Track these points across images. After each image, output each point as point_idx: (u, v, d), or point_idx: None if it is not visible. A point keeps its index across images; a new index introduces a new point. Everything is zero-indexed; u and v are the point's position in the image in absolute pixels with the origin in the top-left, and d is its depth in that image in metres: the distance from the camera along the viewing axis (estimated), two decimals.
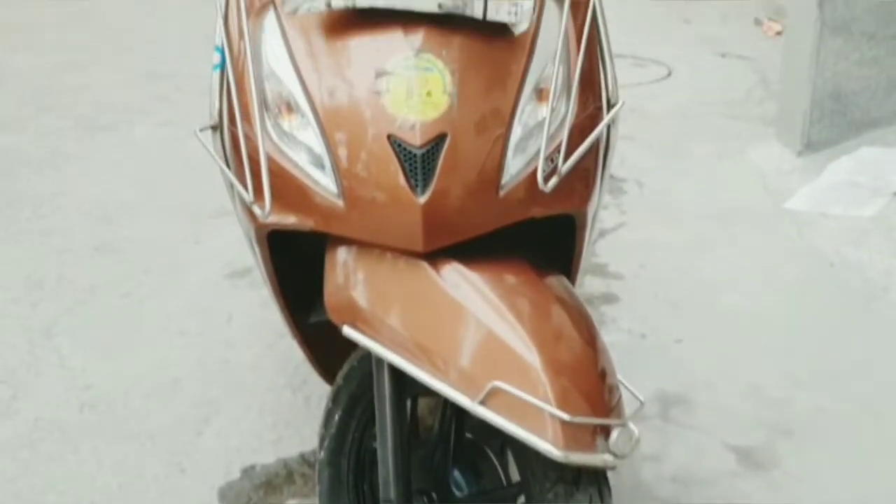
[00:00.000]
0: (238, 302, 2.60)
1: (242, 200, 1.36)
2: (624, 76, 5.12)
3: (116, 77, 4.80)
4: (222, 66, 1.43)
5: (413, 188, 1.21)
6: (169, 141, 3.87)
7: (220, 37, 1.43)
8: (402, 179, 1.21)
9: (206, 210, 3.19)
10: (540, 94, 1.31)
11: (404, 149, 1.21)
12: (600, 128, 1.34)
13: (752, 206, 3.22)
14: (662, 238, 2.99)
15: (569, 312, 1.26)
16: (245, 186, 1.27)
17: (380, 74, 1.23)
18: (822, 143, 3.42)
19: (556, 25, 1.33)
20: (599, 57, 1.42)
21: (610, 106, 1.42)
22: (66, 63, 5.02)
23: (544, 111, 1.29)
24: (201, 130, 1.43)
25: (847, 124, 3.40)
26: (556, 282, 1.33)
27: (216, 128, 1.45)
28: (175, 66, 4.99)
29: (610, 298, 2.60)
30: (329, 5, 1.23)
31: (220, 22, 1.42)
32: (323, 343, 1.61)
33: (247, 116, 1.31)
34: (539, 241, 1.39)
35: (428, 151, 1.21)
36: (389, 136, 1.21)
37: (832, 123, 3.40)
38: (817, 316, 2.51)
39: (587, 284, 2.67)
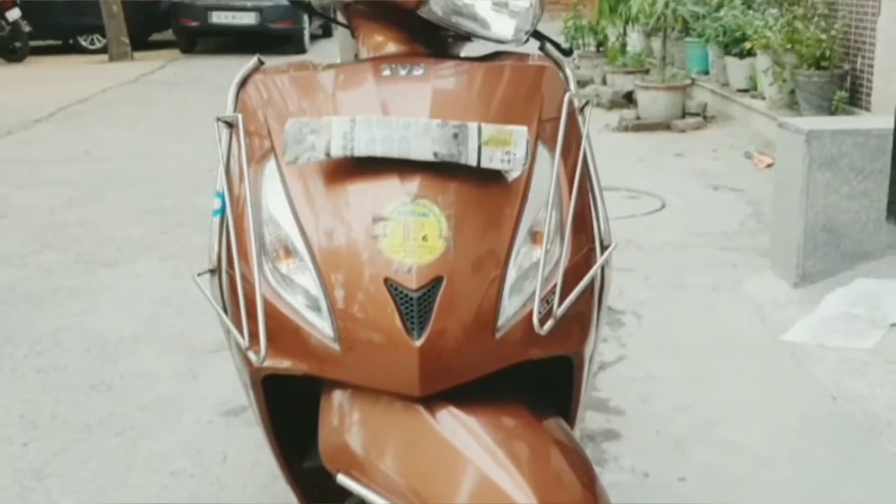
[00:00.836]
0: (233, 441, 2.56)
1: (237, 344, 1.37)
2: (619, 208, 5.24)
3: (119, 213, 4.88)
4: (222, 211, 1.46)
5: (409, 332, 1.21)
6: (170, 275, 3.90)
7: (220, 182, 1.46)
8: (398, 323, 1.22)
9: (203, 345, 3.19)
10: (534, 236, 1.33)
11: (401, 292, 1.22)
12: (594, 269, 1.36)
13: (750, 339, 3.21)
14: (662, 372, 2.97)
15: (567, 456, 1.25)
16: (241, 331, 1.28)
17: (377, 219, 1.25)
18: (817, 274, 3.45)
19: (548, 170, 1.37)
20: (591, 199, 1.45)
21: (603, 246, 1.44)
22: (69, 199, 5.12)
23: (539, 254, 1.31)
24: (199, 275, 1.44)
25: (840, 256, 3.44)
26: (554, 424, 1.32)
27: (215, 272, 1.46)
28: (178, 202, 5.09)
29: (611, 435, 2.56)
30: (328, 154, 1.27)
31: (222, 168, 1.46)
32: (317, 488, 1.58)
33: (245, 260, 1.33)
34: (537, 380, 1.39)
35: (424, 295, 1.22)
36: (386, 280, 1.22)
37: (826, 255, 3.43)
38: (821, 452, 2.47)
39: (588, 419, 2.64)
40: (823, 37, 5.69)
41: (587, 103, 1.48)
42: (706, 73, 7.86)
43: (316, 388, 1.38)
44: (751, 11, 6.66)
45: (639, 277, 3.82)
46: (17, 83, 9.94)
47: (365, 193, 1.29)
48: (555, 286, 1.30)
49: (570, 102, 1.42)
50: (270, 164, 1.36)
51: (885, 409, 2.60)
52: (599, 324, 1.48)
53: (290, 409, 1.49)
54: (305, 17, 12.83)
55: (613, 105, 7.70)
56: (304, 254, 1.29)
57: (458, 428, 1.23)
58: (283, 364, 1.29)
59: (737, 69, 7.02)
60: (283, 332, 1.28)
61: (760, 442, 2.52)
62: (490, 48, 1.55)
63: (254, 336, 1.26)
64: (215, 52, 12.72)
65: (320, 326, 1.27)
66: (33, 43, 12.31)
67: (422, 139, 1.25)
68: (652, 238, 4.37)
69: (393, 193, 1.26)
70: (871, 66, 5.60)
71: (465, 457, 1.19)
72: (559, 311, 1.27)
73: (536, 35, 1.59)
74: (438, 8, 1.40)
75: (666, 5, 6.92)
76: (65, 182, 5.50)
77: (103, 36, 12.24)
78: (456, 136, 1.26)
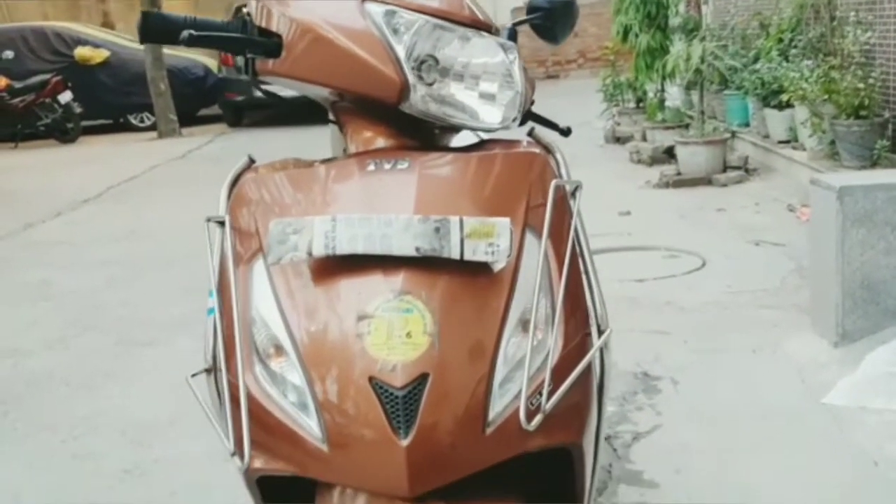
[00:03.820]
0: None
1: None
2: (658, 268, 5.16)
3: (158, 292, 4.96)
4: (215, 310, 1.47)
5: (395, 430, 1.20)
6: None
7: (213, 281, 1.48)
8: (384, 422, 1.20)
9: None
10: (525, 325, 1.31)
11: (386, 391, 1.21)
12: (588, 357, 1.34)
13: (791, 403, 3.12)
14: (699, 441, 2.90)
15: None
16: (227, 434, 1.27)
17: (361, 317, 1.25)
18: (857, 332, 3.36)
19: (537, 259, 1.35)
20: (586, 284, 1.43)
21: (600, 331, 1.42)
22: (109, 279, 5.22)
23: (526, 343, 1.30)
24: (193, 376, 1.44)
25: (881, 313, 3.35)
26: None
27: (210, 371, 1.47)
28: None
29: None
30: (310, 253, 1.27)
31: (212, 267, 1.47)
32: None
33: (233, 362, 1.33)
34: (541, 466, 1.37)
35: (409, 393, 1.21)
36: (371, 379, 1.21)
37: (865, 313, 3.35)
38: None
39: (621, 494, 2.58)
40: (861, 85, 5.62)
41: (577, 187, 1.46)
42: (747, 125, 7.80)
43: (311, 488, 1.37)
44: (786, 63, 6.60)
45: (677, 340, 3.75)
46: (69, 164, 10.24)
47: (349, 291, 1.28)
48: (545, 379, 1.27)
49: (557, 188, 1.41)
50: (259, 264, 1.37)
51: None
52: (602, 411, 1.45)
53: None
54: None
55: (654, 161, 7.66)
56: (291, 353, 1.29)
57: None
58: (273, 465, 1.28)
59: (777, 121, 6.95)
60: (272, 433, 1.28)
61: None
62: (479, 135, 1.56)
63: (237, 440, 1.26)
64: (261, 125, 13.00)
65: (308, 427, 1.26)
66: (85, 123, 12.71)
67: (403, 235, 1.25)
68: (691, 298, 4.30)
69: (376, 290, 1.26)
70: None
71: None
72: (548, 405, 1.24)
73: (530, 116, 1.59)
74: (420, 102, 1.41)
75: (702, 60, 6.91)
76: (108, 262, 5.61)
77: (152, 114, 12.59)
78: (438, 230, 1.25)
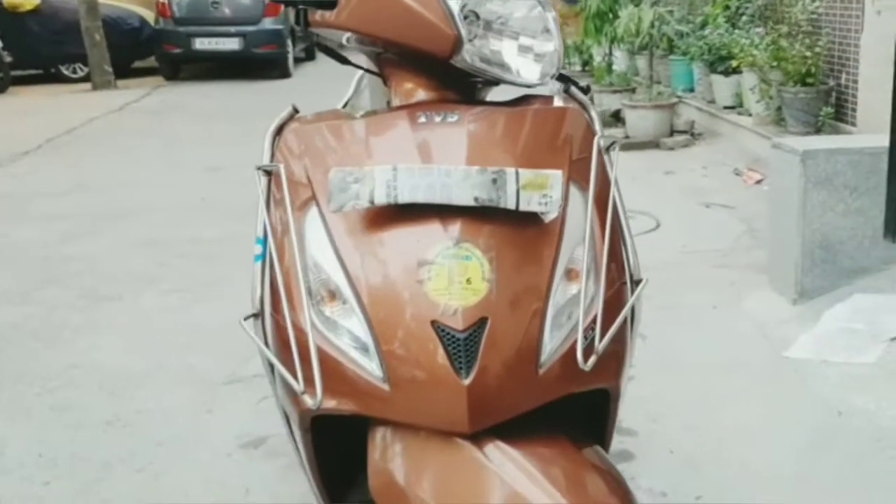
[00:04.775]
0: (254, 474, 2.59)
1: (287, 387, 1.41)
2: None
3: (117, 246, 4.90)
4: (263, 256, 1.50)
5: (457, 371, 1.26)
6: (176, 309, 3.93)
7: (261, 229, 1.51)
8: (446, 363, 1.26)
9: (216, 378, 3.22)
10: (569, 274, 1.38)
11: (447, 334, 1.26)
12: (630, 303, 1.41)
13: (754, 356, 3.27)
14: (670, 392, 3.02)
15: (609, 485, 1.30)
16: (294, 375, 1.31)
17: (422, 264, 1.30)
18: (816, 290, 3.52)
19: (579, 209, 1.42)
20: (621, 237, 1.50)
21: (633, 281, 1.50)
22: (62, 233, 5.13)
23: (574, 290, 1.37)
24: (245, 319, 1.47)
25: (838, 272, 3.51)
26: (594, 453, 1.38)
27: (258, 316, 1.50)
28: (175, 233, 5.11)
29: (626, 456, 2.61)
30: (372, 202, 1.31)
31: (261, 215, 1.50)
32: None
33: (293, 306, 1.36)
34: (571, 407, 1.44)
35: (470, 335, 1.27)
36: (433, 322, 1.27)
37: (823, 272, 3.50)
38: (833, 467, 2.52)
39: None
40: (808, 54, 5.80)
41: (613, 143, 1.53)
42: (691, 90, 7.96)
43: (356, 427, 1.42)
44: (736, 30, 6.75)
45: (641, 297, 3.86)
46: (1, 114, 9.92)
47: (408, 238, 1.33)
48: (590, 322, 1.35)
49: (598, 143, 1.47)
50: (312, 212, 1.41)
51: (892, 422, 2.67)
52: (632, 356, 1.53)
53: (330, 450, 1.52)
54: (289, 42, 12.91)
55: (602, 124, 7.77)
56: (350, 297, 1.33)
57: (506, 462, 1.27)
58: (335, 405, 1.33)
59: (723, 87, 7.12)
60: (332, 374, 1.32)
61: (772, 459, 2.58)
62: (516, 92, 1.60)
63: (307, 380, 1.30)
64: (199, 79, 12.76)
65: (369, 368, 1.31)
66: (14, 73, 12.30)
67: (462, 185, 1.30)
68: (649, 258, 4.35)
69: (436, 238, 1.31)
70: (855, 81, 5.71)
71: (515, 490, 1.23)
72: (601, 346, 1.32)
73: (560, 77, 1.64)
74: (470, 56, 1.45)
75: (652, 25, 7.02)
76: (58, 216, 5.50)
77: (85, 64, 12.23)
78: (495, 181, 1.31)
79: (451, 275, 1.28)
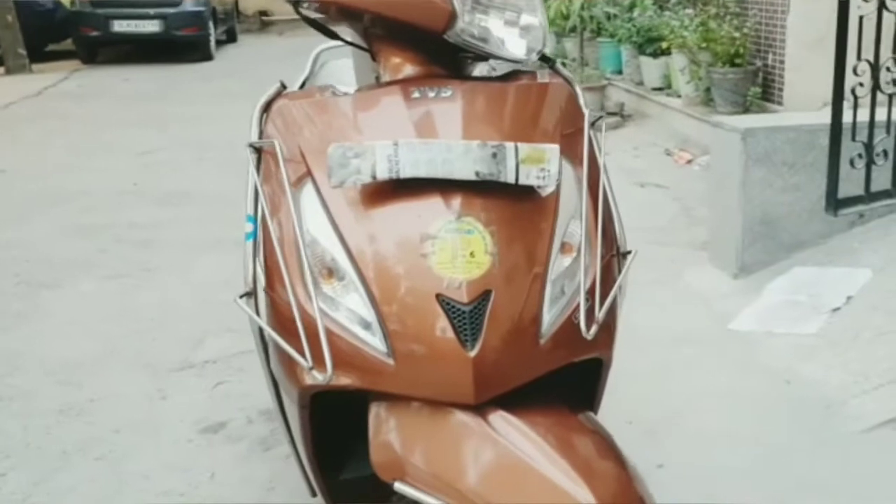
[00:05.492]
0: (217, 458, 2.56)
1: (286, 364, 1.40)
2: None
3: (50, 232, 4.77)
4: (254, 235, 1.49)
5: (463, 343, 1.27)
6: (117, 294, 3.85)
7: (251, 206, 1.49)
8: (452, 336, 1.27)
9: (166, 364, 3.17)
10: (563, 247, 1.41)
11: (452, 307, 1.28)
12: (623, 274, 1.45)
13: (700, 330, 3.36)
14: (623, 365, 3.05)
15: (606, 449, 1.34)
16: (301, 352, 1.31)
17: (424, 238, 1.31)
18: (756, 265, 3.62)
19: (571, 182, 1.45)
20: (611, 210, 1.53)
21: (620, 253, 1.53)
22: None
23: (566, 263, 1.40)
24: (241, 297, 1.46)
25: (777, 247, 3.62)
26: (589, 419, 1.42)
27: (250, 294, 1.49)
28: (108, 218, 5.00)
29: None
30: (374, 177, 1.32)
31: (251, 193, 1.49)
32: (353, 500, 1.62)
33: (292, 282, 1.36)
34: (563, 374, 1.47)
35: (475, 308, 1.28)
36: (437, 296, 1.28)
37: (764, 247, 3.61)
38: (785, 433, 2.62)
39: None
40: (737, 35, 5.94)
41: (600, 118, 1.56)
42: (619, 72, 8.07)
43: (351, 402, 1.42)
44: (666, 12, 6.87)
45: None
46: None
47: (408, 213, 1.34)
48: (589, 293, 1.38)
49: (588, 118, 1.50)
50: (308, 188, 1.40)
51: (838, 390, 2.77)
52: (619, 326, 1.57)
53: (321, 425, 1.53)
54: (211, 23, 12.67)
55: None
56: (350, 273, 1.34)
57: (510, 431, 1.29)
58: (339, 381, 1.33)
59: (651, 68, 7.24)
60: (334, 350, 1.32)
61: (727, 428, 2.66)
62: (503, 68, 1.62)
63: (315, 356, 1.30)
64: (118, 62, 12.42)
65: (372, 342, 1.32)
66: None
67: (464, 159, 1.31)
68: None
69: (438, 212, 1.32)
70: (782, 62, 5.87)
71: (521, 458, 1.26)
72: (600, 315, 1.35)
73: (542, 57, 1.66)
74: (462, 31, 1.46)
75: (582, 7, 7.10)
76: None
77: None
78: (495, 155, 1.32)
79: (454, 248, 1.30)
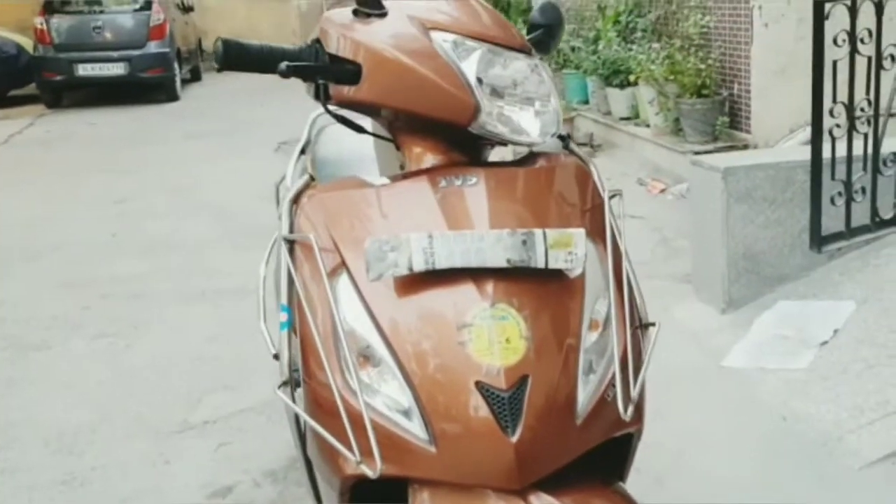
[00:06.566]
0: None
1: (327, 453, 1.43)
2: None
3: (33, 289, 4.74)
4: (289, 324, 1.52)
5: (503, 429, 1.31)
6: (108, 354, 3.83)
7: (284, 297, 1.52)
8: (492, 422, 1.31)
9: (167, 426, 3.17)
10: (591, 324, 1.45)
11: (492, 393, 1.31)
12: (650, 351, 1.49)
13: (693, 365, 3.41)
14: None
15: None
16: (346, 443, 1.33)
17: (461, 327, 1.34)
18: (742, 300, 3.70)
19: (594, 262, 1.49)
20: (631, 284, 1.58)
21: (642, 325, 1.58)
22: None
23: (595, 340, 1.44)
24: (279, 388, 1.49)
25: (761, 281, 3.70)
26: (621, 492, 1.45)
27: (286, 384, 1.51)
28: (91, 272, 4.98)
29: None
30: (410, 269, 1.35)
31: (285, 283, 1.52)
32: None
33: (332, 371, 1.38)
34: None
35: (514, 394, 1.32)
36: (477, 383, 1.32)
37: (748, 281, 3.69)
38: (785, 472, 2.67)
39: None
40: (702, 66, 6.06)
41: (616, 194, 1.61)
42: (586, 102, 8.19)
43: (388, 491, 1.44)
44: (633, 45, 6.99)
45: None
46: None
47: (443, 302, 1.37)
48: (622, 370, 1.42)
49: (607, 197, 1.55)
50: (343, 279, 1.43)
51: (833, 425, 2.84)
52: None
53: None
54: (176, 64, 12.65)
55: None
56: (388, 362, 1.36)
57: None
58: (385, 471, 1.35)
59: (619, 99, 7.35)
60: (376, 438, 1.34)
61: (728, 468, 2.71)
62: (519, 150, 1.67)
63: (363, 448, 1.32)
64: (84, 105, 12.34)
65: (413, 430, 1.34)
66: None
67: (495, 248, 1.35)
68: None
69: (472, 300, 1.36)
70: (748, 91, 6.00)
71: None
72: (635, 393, 1.39)
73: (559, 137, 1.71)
74: (485, 122, 1.51)
75: None
76: None
77: None
78: (525, 242, 1.36)
79: (490, 335, 1.33)
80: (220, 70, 1.59)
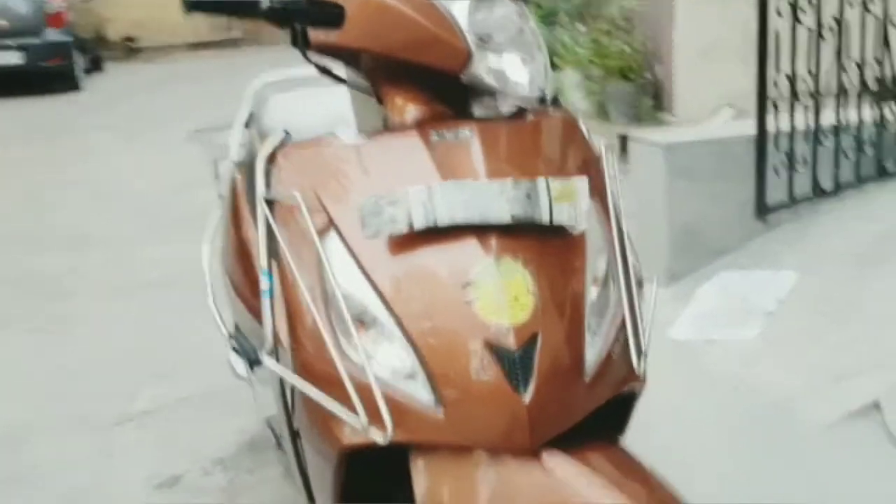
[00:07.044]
0: None
1: (322, 422, 1.35)
2: None
3: None
4: (272, 290, 1.43)
5: (515, 389, 1.25)
6: (39, 349, 3.67)
7: (266, 261, 1.43)
8: (503, 382, 1.25)
9: (105, 419, 3.04)
10: (593, 281, 1.41)
11: (501, 353, 1.26)
12: (653, 307, 1.46)
13: None
14: None
15: (651, 477, 1.36)
16: (352, 412, 1.26)
17: (465, 284, 1.28)
18: (684, 272, 3.73)
19: (594, 218, 1.44)
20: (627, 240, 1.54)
21: (637, 281, 1.55)
22: None
23: (598, 296, 1.40)
24: (268, 356, 1.40)
25: (702, 253, 3.74)
26: (626, 448, 1.43)
27: (272, 353, 1.43)
28: (13, 267, 4.77)
29: None
30: (411, 226, 1.28)
31: (264, 248, 1.43)
32: None
33: (328, 338, 1.31)
34: None
35: (524, 353, 1.26)
36: (486, 343, 1.26)
37: (690, 254, 3.73)
38: (744, 438, 2.69)
39: None
40: (627, 49, 6.12)
41: (610, 149, 1.57)
42: None
43: (386, 457, 1.38)
44: (559, 27, 7.00)
45: None
46: None
47: (444, 258, 1.31)
48: (622, 325, 1.39)
49: (602, 149, 1.51)
50: (333, 239, 1.35)
51: (786, 392, 2.87)
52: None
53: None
54: (77, 53, 12.19)
55: None
56: (388, 323, 1.30)
57: (566, 471, 1.27)
58: (391, 437, 1.28)
59: None
60: (375, 404, 1.28)
61: (690, 439, 2.71)
62: (505, 106, 1.60)
63: (370, 414, 1.25)
64: None
65: (417, 394, 1.28)
66: None
67: (499, 200, 1.29)
68: None
69: (475, 255, 1.30)
70: (672, 73, 6.08)
71: (583, 497, 1.25)
72: (646, 346, 1.36)
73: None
74: (476, 70, 1.44)
75: None
76: None
77: None
78: (529, 196, 1.31)
79: (496, 292, 1.28)
80: (187, 12, 1.43)
